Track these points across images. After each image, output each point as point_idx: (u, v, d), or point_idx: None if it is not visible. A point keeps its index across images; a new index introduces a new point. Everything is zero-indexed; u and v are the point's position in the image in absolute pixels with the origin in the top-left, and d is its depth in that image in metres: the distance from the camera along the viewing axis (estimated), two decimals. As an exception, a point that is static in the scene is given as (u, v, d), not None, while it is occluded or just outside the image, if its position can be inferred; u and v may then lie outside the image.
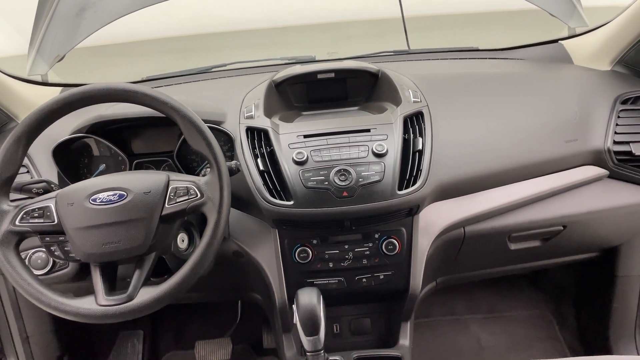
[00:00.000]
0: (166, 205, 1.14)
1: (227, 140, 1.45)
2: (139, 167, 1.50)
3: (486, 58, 1.86)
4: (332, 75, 1.54)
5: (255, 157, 1.33)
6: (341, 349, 1.42)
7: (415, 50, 1.95)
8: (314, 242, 1.35)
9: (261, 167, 1.31)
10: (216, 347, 1.89)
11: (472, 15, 3.09)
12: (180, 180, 1.17)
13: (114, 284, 1.17)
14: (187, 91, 1.76)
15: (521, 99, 1.51)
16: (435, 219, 1.37)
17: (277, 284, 1.36)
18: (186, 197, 1.14)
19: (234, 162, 1.24)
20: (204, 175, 1.21)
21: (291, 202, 1.27)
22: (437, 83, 1.56)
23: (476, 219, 1.41)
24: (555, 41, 1.88)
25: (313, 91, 1.58)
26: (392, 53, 1.93)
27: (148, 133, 1.51)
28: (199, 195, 1.14)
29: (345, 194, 1.26)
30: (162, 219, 1.14)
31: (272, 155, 1.33)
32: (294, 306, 1.21)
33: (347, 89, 1.59)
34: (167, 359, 1.98)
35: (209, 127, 1.40)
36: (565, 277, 2.01)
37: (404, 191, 1.28)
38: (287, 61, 1.87)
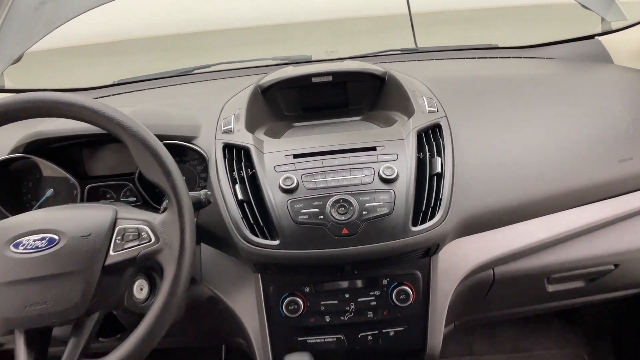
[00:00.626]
0: (111, 252, 0.88)
1: (201, 160, 1.18)
2: (93, 193, 1.23)
3: (509, 57, 1.58)
4: (330, 78, 1.27)
5: (233, 182, 1.06)
6: None
7: (425, 48, 1.69)
8: (306, 290, 1.08)
9: (240, 196, 1.04)
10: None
11: (481, 10, 2.81)
12: (130, 219, 0.90)
13: (44, 355, 0.90)
14: (159, 97, 1.50)
15: (560, 107, 1.23)
16: (459, 259, 1.10)
17: (259, 343, 1.09)
18: (137, 242, 0.88)
19: (202, 192, 0.98)
20: (165, 209, 0.94)
21: (276, 242, 1.00)
22: (456, 87, 1.29)
23: (509, 258, 1.13)
24: (591, 37, 1.61)
25: (307, 97, 1.32)
26: (399, 52, 1.67)
27: (104, 151, 1.24)
28: (152, 239, 0.88)
29: (345, 231, 0.99)
30: (106, 270, 0.88)
31: (254, 180, 1.05)
32: None
33: (348, 94, 1.32)
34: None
35: (177, 145, 1.14)
36: (604, 312, 1.74)
37: (419, 227, 1.01)
38: (279, 61, 1.64)
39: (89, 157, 1.25)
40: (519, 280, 1.17)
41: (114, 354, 0.84)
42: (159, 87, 1.56)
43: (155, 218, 0.90)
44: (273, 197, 1.02)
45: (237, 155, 1.10)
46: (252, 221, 1.03)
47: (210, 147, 1.13)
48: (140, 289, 1.01)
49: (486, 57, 1.59)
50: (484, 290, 1.18)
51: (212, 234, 1.08)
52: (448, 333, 1.40)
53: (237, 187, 1.05)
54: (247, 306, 1.09)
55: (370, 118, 1.29)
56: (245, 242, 1.01)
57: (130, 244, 0.88)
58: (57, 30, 1.67)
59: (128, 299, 0.97)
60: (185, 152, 1.20)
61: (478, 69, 1.49)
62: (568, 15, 2.05)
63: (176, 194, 0.88)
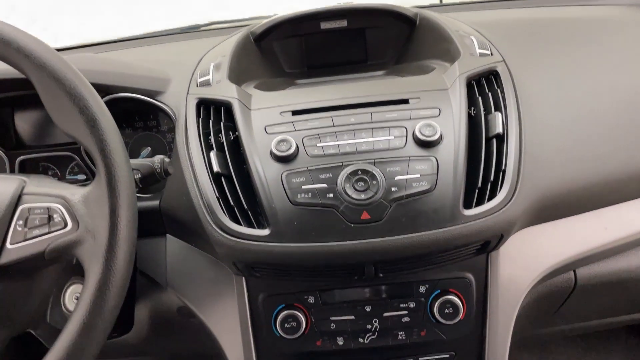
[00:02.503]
0: (8, 244, 0.59)
1: (172, 126, 0.88)
2: (28, 167, 0.93)
3: (568, 5, 1.25)
4: (344, 23, 0.95)
5: (207, 149, 0.75)
6: None
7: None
8: (310, 300, 0.76)
9: (215, 168, 0.72)
10: None
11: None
12: (40, 195, 0.59)
13: None
14: (134, 53, 1.19)
15: None
16: (530, 257, 0.78)
17: None
18: (45, 230, 0.57)
19: (157, 157, 0.67)
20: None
21: (266, 231, 0.69)
22: (511, 31, 0.98)
23: (599, 255, 0.81)
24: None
25: (314, 50, 1.01)
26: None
27: (44, 112, 0.94)
28: (68, 224, 0.57)
29: (365, 215, 0.68)
30: (3, 271, 0.57)
31: (238, 148, 0.74)
32: None
33: (367, 45, 1.01)
34: None
35: (136, 101, 0.85)
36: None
37: (475, 210, 0.69)
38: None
39: (22, 120, 0.95)
40: (610, 285, 0.84)
41: None
42: (139, 47, 1.26)
43: (75, 193, 0.59)
44: (262, 167, 0.71)
45: (215, 114, 0.79)
46: (231, 203, 0.72)
47: (180, 104, 0.82)
48: (75, 298, 0.72)
49: (540, 6, 1.27)
50: (559, 299, 0.85)
51: (178, 221, 0.77)
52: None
53: (213, 155, 0.74)
54: (227, 322, 0.78)
55: (397, 72, 0.98)
56: (220, 232, 0.70)
57: (35, 232, 0.58)
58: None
59: (54, 313, 0.68)
60: (150, 114, 0.91)
61: (533, 13, 1.16)
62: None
63: (105, 154, 0.57)
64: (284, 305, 0.76)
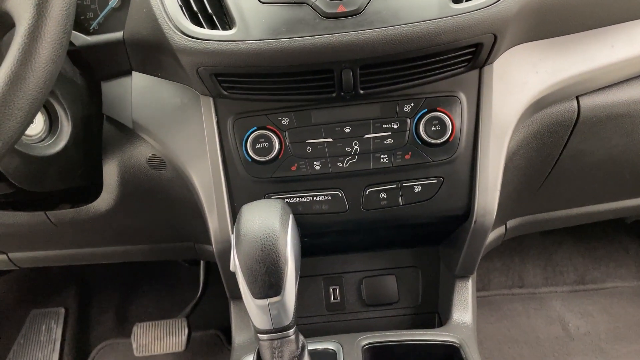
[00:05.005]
0: None
1: None
2: None
3: None
4: None
5: None
6: (343, 330, 0.78)
7: None
8: (284, 121, 0.70)
9: None
10: (164, 333, 1.26)
11: None
12: None
13: None
14: None
15: None
16: (525, 74, 0.70)
17: (211, 206, 0.72)
18: None
19: None
20: None
21: (232, 32, 0.63)
22: None
23: (604, 76, 0.73)
24: None
25: None
26: None
27: None
28: None
29: (342, 8, 0.62)
30: None
31: None
32: (232, 237, 0.57)
33: None
34: (103, 351, 1.36)
35: None
36: None
37: (466, 4, 0.62)
38: None
39: None
40: (616, 118, 0.76)
41: None
42: None
43: None
44: None
45: None
46: (195, 9, 0.66)
47: None
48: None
49: None
50: (561, 137, 0.78)
51: (141, 43, 0.71)
52: (495, 242, 1.03)
53: None
54: (194, 151, 0.72)
55: None
56: (181, 35, 0.64)
57: None
58: None
59: None
60: None
61: None
62: None
63: None
64: (255, 127, 0.69)
